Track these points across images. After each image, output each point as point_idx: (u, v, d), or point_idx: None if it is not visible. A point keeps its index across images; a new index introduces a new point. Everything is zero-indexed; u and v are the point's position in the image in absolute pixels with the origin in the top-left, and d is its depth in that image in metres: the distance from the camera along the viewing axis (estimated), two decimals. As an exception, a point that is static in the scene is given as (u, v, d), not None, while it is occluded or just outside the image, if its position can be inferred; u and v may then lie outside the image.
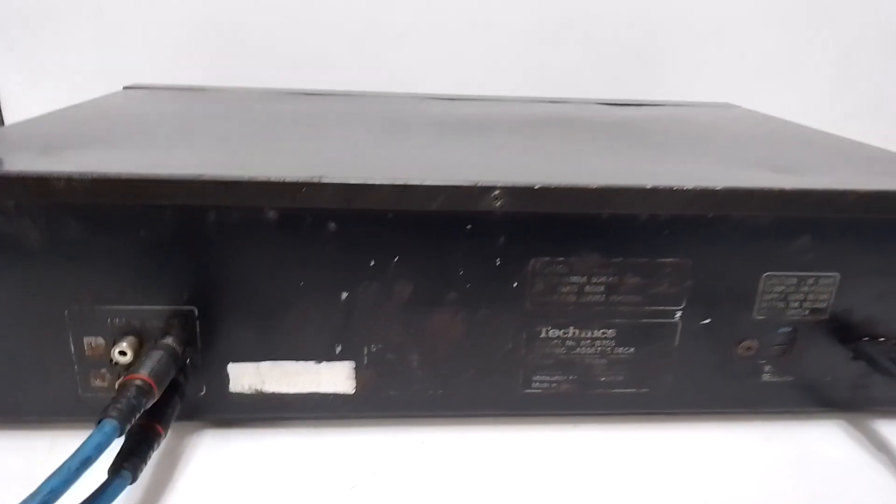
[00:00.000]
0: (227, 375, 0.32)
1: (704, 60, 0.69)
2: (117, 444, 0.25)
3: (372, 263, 0.30)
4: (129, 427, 0.25)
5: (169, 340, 0.30)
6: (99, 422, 0.24)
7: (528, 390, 0.33)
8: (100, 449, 0.23)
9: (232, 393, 0.32)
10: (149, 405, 0.26)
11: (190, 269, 0.30)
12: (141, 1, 0.63)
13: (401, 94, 0.59)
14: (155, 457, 0.29)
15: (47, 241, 0.28)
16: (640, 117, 0.52)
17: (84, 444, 0.23)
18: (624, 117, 0.51)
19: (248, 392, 0.32)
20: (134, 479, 0.25)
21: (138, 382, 0.26)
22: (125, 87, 0.55)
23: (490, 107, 0.53)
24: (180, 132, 0.39)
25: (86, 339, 0.30)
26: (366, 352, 0.32)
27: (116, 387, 0.26)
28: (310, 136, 0.40)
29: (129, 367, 0.30)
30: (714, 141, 0.44)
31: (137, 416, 0.25)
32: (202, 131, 0.39)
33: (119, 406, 0.24)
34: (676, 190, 0.30)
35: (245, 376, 0.32)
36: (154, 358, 0.28)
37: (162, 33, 0.64)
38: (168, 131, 0.39)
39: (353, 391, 0.32)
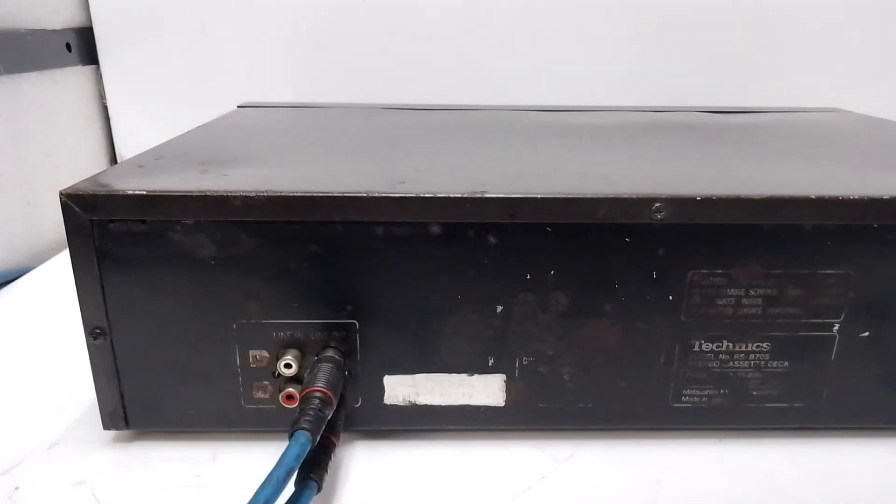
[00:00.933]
0: (383, 387, 0.32)
1: (806, 64, 0.68)
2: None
3: (528, 276, 0.30)
4: (316, 436, 0.25)
5: (334, 353, 0.31)
6: (292, 434, 0.25)
7: (677, 404, 0.33)
8: (298, 459, 0.24)
9: (386, 404, 0.32)
10: (330, 416, 0.27)
11: (353, 283, 0.30)
12: (241, 20, 0.65)
13: (494, 106, 0.59)
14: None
15: (220, 257, 0.30)
16: (753, 124, 0.51)
17: (284, 455, 0.24)
18: (736, 124, 0.51)
19: (402, 404, 0.32)
20: (320, 489, 0.26)
21: (319, 394, 0.27)
22: (239, 106, 0.57)
23: (593, 117, 0.53)
24: (318, 148, 0.40)
25: (251, 352, 0.31)
26: (517, 364, 0.32)
27: (300, 398, 0.27)
28: (450, 149, 0.40)
29: (291, 380, 0.31)
30: (841, 147, 0.43)
31: (324, 426, 0.26)
32: (338, 147, 0.40)
33: (309, 417, 0.25)
34: (843, 200, 0.29)
35: (400, 388, 0.32)
36: (326, 370, 0.28)
37: (265, 50, 0.66)
38: (306, 148, 0.40)
39: (504, 403, 0.33)
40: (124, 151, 0.71)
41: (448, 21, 0.65)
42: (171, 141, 0.41)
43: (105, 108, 0.70)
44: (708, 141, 0.44)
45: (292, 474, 0.23)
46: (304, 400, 0.26)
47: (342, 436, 0.33)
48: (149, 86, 0.69)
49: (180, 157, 0.36)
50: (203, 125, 0.47)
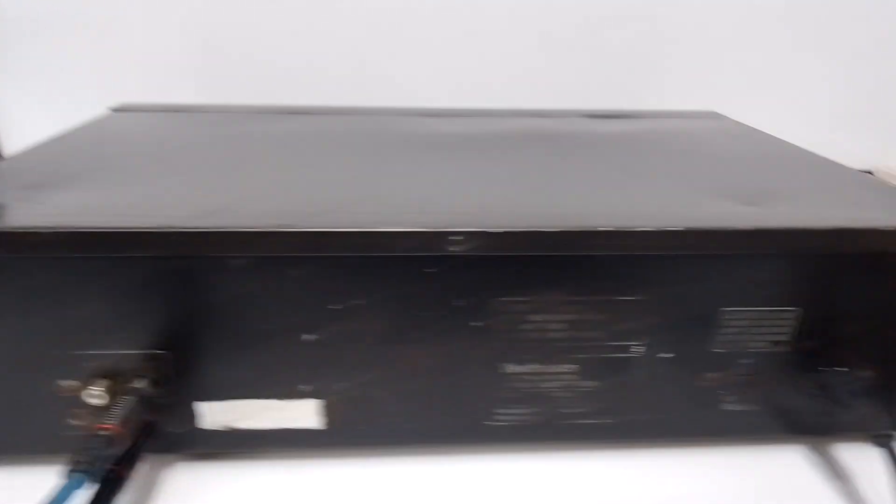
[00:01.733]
0: (200, 412, 0.33)
1: (696, 68, 0.69)
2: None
3: (337, 307, 0.31)
4: (96, 475, 0.26)
5: (141, 383, 0.31)
6: (68, 472, 0.25)
7: (491, 422, 0.34)
8: (65, 500, 0.24)
9: (205, 430, 0.33)
10: (119, 451, 0.27)
11: (164, 313, 0.31)
12: (131, 16, 0.63)
13: (389, 108, 0.59)
14: (133, 489, 0.30)
15: (31, 288, 0.29)
16: (622, 132, 0.52)
17: (52, 495, 0.24)
18: (606, 133, 0.52)
19: (220, 429, 0.33)
20: (103, 525, 0.26)
21: (105, 432, 0.27)
22: (112, 109, 0.56)
23: (474, 123, 0.53)
24: (160, 166, 0.39)
25: (65, 382, 0.31)
26: (334, 389, 0.33)
27: (86, 436, 0.27)
28: (285, 169, 0.40)
29: (103, 409, 0.31)
30: (692, 163, 0.45)
31: (105, 463, 0.26)
32: (181, 165, 0.40)
33: (83, 458, 0.25)
34: (637, 232, 0.31)
35: (218, 414, 0.33)
36: (124, 404, 0.29)
37: (152, 48, 0.64)
38: (147, 165, 0.40)
39: (324, 426, 0.33)
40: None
41: (343, 19, 0.64)
42: (17, 155, 0.40)
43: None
44: (557, 153, 0.45)
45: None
46: (89, 438, 0.27)
47: (167, 458, 0.34)
48: (34, 82, 0.67)
49: (15, 175, 0.36)
50: (62, 134, 0.46)
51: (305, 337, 0.31)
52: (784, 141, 0.50)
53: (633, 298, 0.32)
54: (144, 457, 0.32)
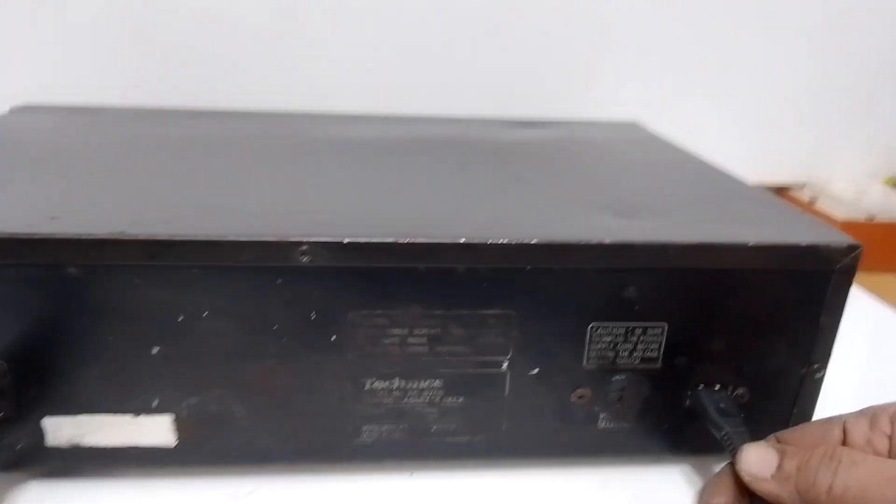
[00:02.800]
0: (44, 429, 0.31)
1: (629, 76, 0.69)
2: None
3: (181, 318, 0.30)
4: None
5: (-25, 396, 0.29)
6: None
7: (358, 440, 0.33)
8: None
9: (50, 447, 0.31)
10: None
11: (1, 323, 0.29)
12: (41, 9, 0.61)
13: (299, 112, 0.58)
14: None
15: None
16: (532, 140, 0.51)
17: None
18: (516, 141, 0.51)
19: (67, 446, 0.31)
20: None
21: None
22: (12, 109, 0.54)
23: (386, 128, 0.52)
24: (22, 169, 0.38)
25: None
26: (184, 405, 0.31)
27: None
28: (153, 174, 0.38)
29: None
30: (585, 174, 0.44)
31: None
32: (46, 168, 0.38)
33: None
34: (491, 245, 0.30)
35: (63, 429, 0.31)
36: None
37: (63, 43, 0.62)
38: (8, 167, 0.38)
39: (175, 443, 0.32)
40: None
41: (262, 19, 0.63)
42: None
43: None
44: (450, 161, 0.44)
45: None
46: None
47: (14, 476, 0.32)
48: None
49: None
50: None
51: (154, 350, 0.30)
52: (692, 155, 0.50)
53: (496, 312, 0.31)
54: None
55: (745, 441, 0.30)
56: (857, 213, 0.67)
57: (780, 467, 0.27)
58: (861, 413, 0.29)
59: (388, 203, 0.35)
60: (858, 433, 0.28)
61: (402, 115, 0.59)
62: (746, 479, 0.28)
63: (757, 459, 0.28)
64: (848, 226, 0.65)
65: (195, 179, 0.38)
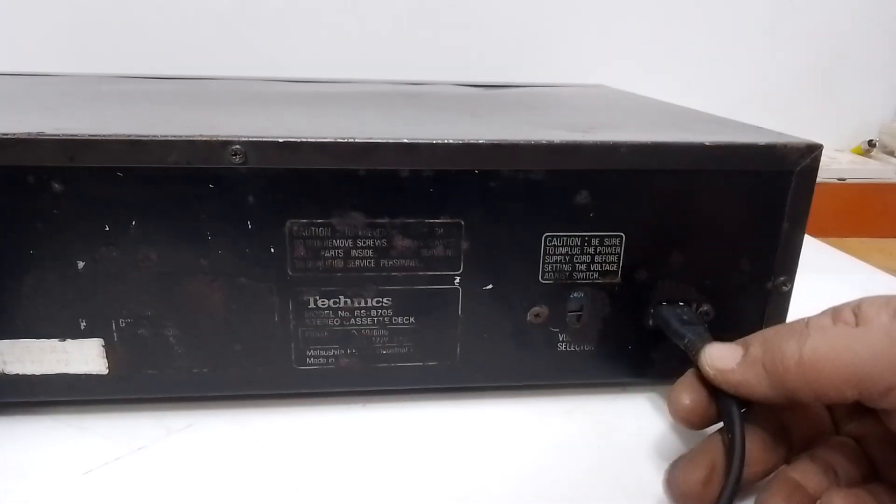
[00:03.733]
0: (-36, 356, 0.29)
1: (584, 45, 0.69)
2: None
3: (107, 228, 0.28)
4: None
5: None
6: None
7: (303, 366, 0.31)
8: None
9: (-28, 375, 0.29)
10: None
11: None
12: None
13: (255, 77, 0.57)
14: None
15: None
16: (491, 95, 0.50)
17: None
18: (475, 94, 0.50)
19: (-11, 374, 0.29)
20: None
21: None
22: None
23: (335, 87, 0.51)
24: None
25: None
26: (114, 327, 0.29)
27: None
28: (81, 107, 0.37)
29: None
30: (546, 112, 0.43)
31: None
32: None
33: None
34: (435, 144, 0.28)
35: (-17, 356, 0.29)
36: None
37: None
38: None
39: (107, 371, 0.30)
40: None
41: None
42: None
43: None
44: (407, 105, 0.43)
45: None
46: None
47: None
48: None
49: None
50: None
51: (79, 265, 0.28)
52: (661, 101, 0.49)
53: (444, 221, 0.30)
54: None
55: (707, 343, 0.28)
56: (828, 177, 0.67)
57: (745, 354, 0.25)
58: (822, 312, 0.27)
59: (334, 119, 0.34)
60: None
61: (356, 79, 0.58)
62: (711, 374, 0.26)
63: (720, 354, 0.26)
64: (820, 187, 0.64)
65: (127, 109, 0.36)
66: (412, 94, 0.49)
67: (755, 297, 0.33)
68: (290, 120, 0.34)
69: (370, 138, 0.28)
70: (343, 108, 0.39)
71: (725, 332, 0.32)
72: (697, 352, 0.27)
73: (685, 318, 0.31)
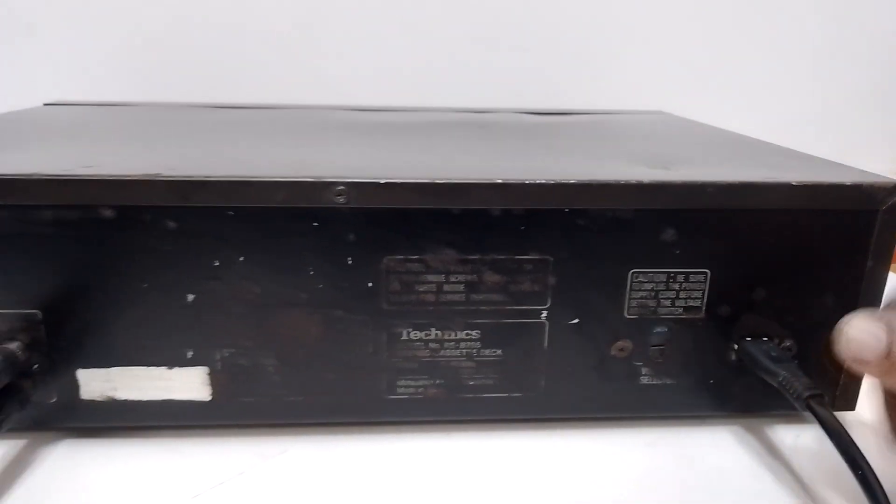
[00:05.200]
0: (78, 381, 0.31)
1: (644, 71, 0.69)
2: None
3: (216, 263, 0.29)
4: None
5: (11, 345, 0.29)
6: None
7: (392, 395, 0.32)
8: None
9: (84, 400, 0.31)
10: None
11: (30, 269, 0.29)
12: (69, 16, 0.63)
13: (326, 105, 0.59)
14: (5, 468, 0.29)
15: None
16: (558, 123, 0.51)
17: None
18: (540, 123, 0.51)
19: (101, 399, 0.31)
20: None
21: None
22: (45, 104, 0.55)
23: (405, 116, 0.53)
24: (56, 137, 0.38)
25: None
26: (218, 357, 0.31)
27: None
28: (176, 142, 0.39)
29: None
30: (616, 142, 0.44)
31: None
32: (77, 136, 0.39)
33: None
34: (527, 184, 0.29)
35: (95, 382, 0.31)
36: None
37: (90, 48, 0.64)
38: (42, 137, 0.39)
39: (210, 398, 0.31)
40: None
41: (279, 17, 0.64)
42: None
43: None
44: (478, 135, 0.44)
45: None
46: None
47: (44, 435, 0.32)
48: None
49: None
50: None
51: (189, 297, 0.30)
52: (727, 130, 0.49)
53: (532, 257, 0.30)
54: (22, 433, 0.31)
55: (805, 384, 0.28)
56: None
57: None
58: None
59: (422, 155, 0.35)
60: None
61: (422, 107, 0.59)
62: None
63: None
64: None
65: (226, 144, 0.38)
66: (480, 123, 0.50)
67: (839, 334, 0.33)
68: (383, 157, 0.35)
69: (465, 179, 0.29)
70: (422, 140, 0.40)
71: (808, 367, 0.32)
72: (798, 394, 0.28)
73: (773, 354, 0.31)
